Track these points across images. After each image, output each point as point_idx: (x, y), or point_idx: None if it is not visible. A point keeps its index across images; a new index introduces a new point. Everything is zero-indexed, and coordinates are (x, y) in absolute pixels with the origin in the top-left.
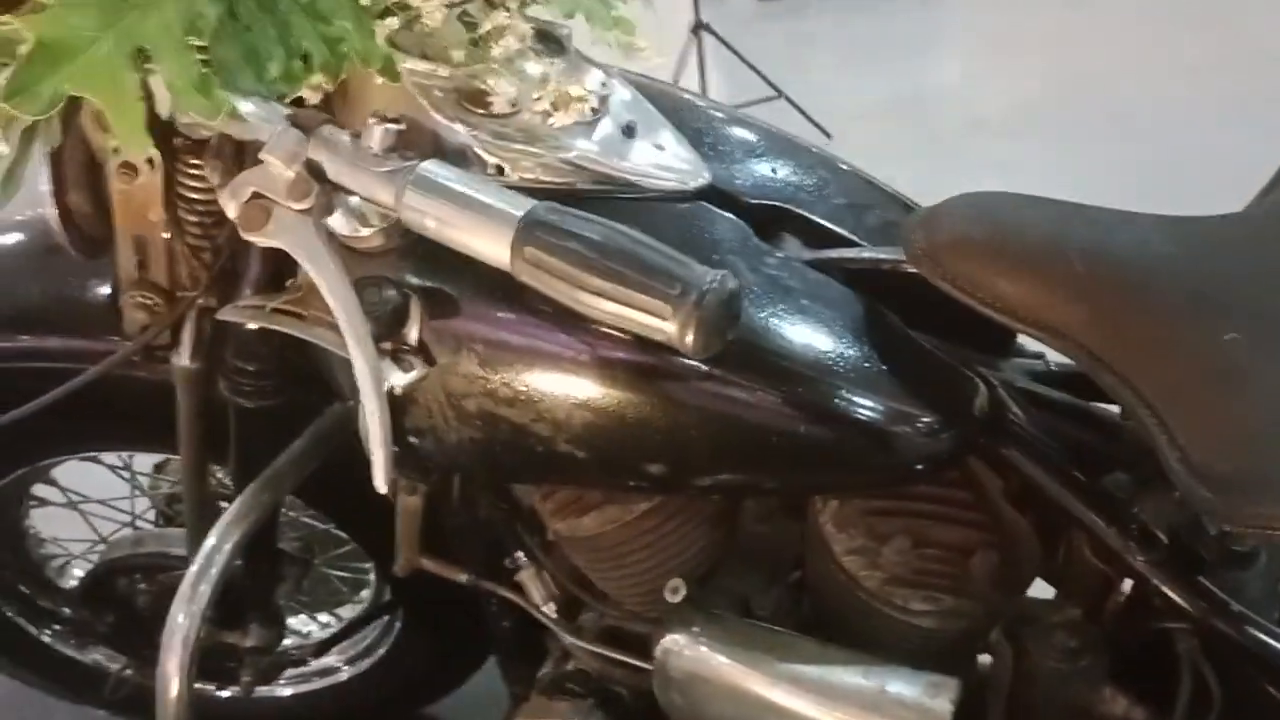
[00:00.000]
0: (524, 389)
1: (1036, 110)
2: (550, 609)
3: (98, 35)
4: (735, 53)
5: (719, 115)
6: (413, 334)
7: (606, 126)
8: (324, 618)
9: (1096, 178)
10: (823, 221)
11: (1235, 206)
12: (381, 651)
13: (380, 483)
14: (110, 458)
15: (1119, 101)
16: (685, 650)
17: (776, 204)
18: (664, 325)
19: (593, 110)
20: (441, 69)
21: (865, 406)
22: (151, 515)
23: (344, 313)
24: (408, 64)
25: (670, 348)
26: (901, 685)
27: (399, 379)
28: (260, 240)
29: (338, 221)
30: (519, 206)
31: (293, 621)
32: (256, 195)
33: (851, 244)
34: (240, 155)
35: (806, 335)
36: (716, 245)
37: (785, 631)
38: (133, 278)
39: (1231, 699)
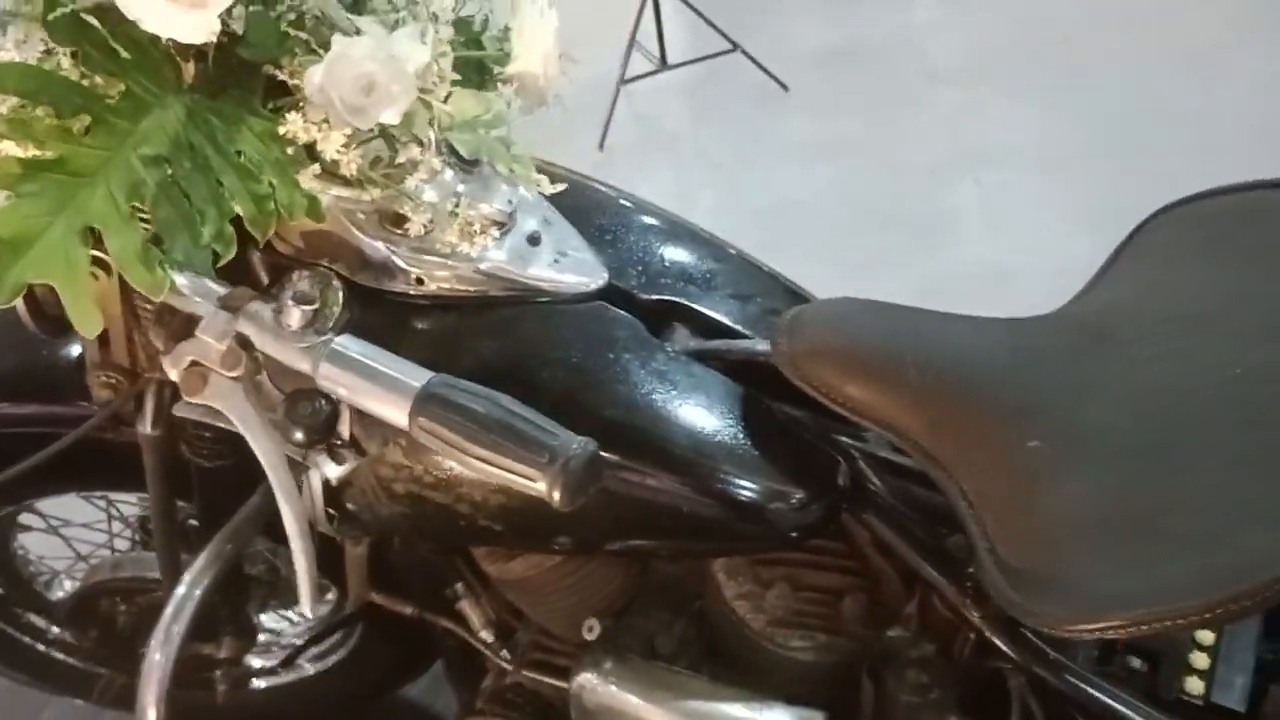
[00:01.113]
0: (444, 475)
1: (994, 60)
2: (488, 634)
3: (51, 219)
4: (691, 7)
5: (621, 210)
6: (345, 431)
7: (514, 237)
8: (295, 616)
9: (1053, 127)
10: (710, 313)
11: (1183, 156)
12: (345, 652)
13: (306, 610)
14: None
15: (1075, 51)
16: (597, 687)
17: (668, 299)
18: (536, 486)
19: (499, 225)
20: (364, 195)
21: (744, 486)
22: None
23: (272, 471)
24: (333, 191)
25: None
26: (777, 717)
27: (333, 471)
28: (198, 400)
29: None
30: (417, 379)
31: (266, 620)
32: (195, 363)
33: (735, 333)
34: (180, 323)
35: (692, 424)
36: (612, 344)
37: (681, 671)
38: (97, 361)
39: None
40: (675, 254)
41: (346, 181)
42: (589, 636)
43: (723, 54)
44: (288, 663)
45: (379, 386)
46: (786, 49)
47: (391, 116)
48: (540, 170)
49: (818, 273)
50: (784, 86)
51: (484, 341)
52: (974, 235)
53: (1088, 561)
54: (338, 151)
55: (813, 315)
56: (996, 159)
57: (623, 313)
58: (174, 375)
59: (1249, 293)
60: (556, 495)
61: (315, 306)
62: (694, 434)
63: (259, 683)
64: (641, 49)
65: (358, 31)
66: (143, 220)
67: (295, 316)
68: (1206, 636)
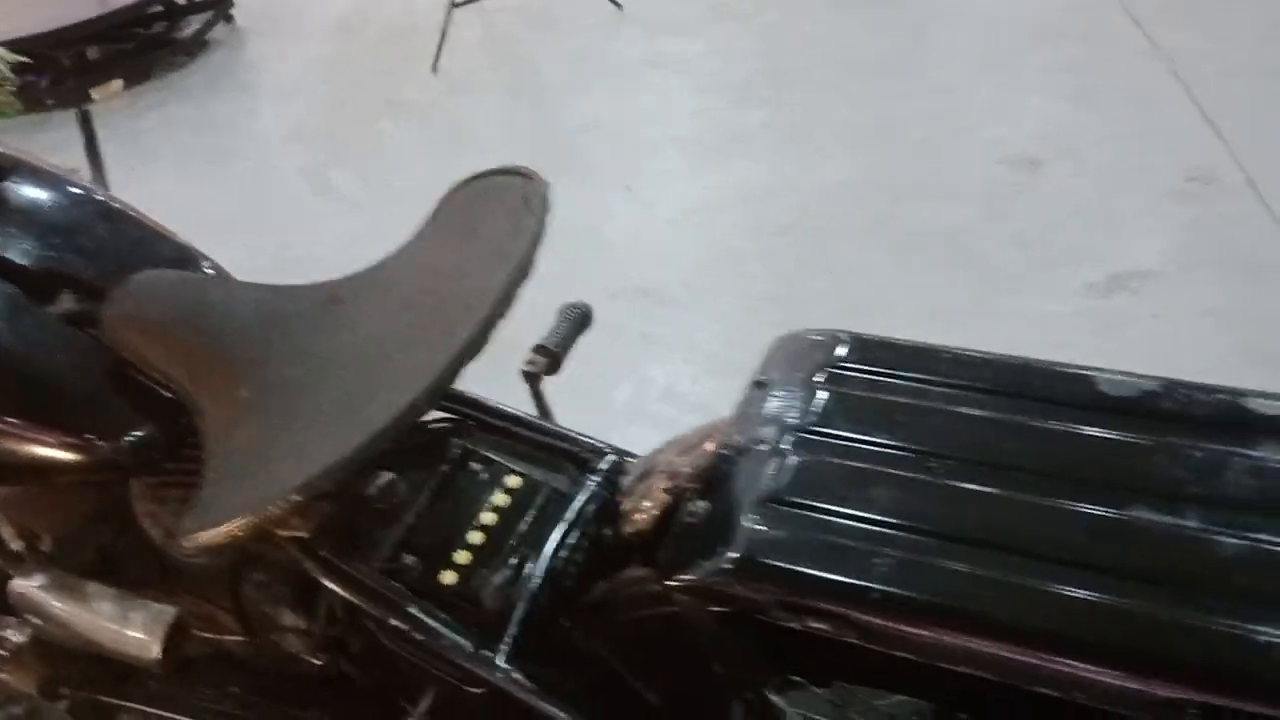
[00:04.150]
0: None
1: None
2: (17, 545)
3: None
4: None
5: (30, 187)
6: None
7: None
8: None
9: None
10: (91, 280)
11: None
12: None
13: None
14: None
15: None
16: (26, 589)
17: (53, 268)
18: None
19: None
20: None
21: (89, 427)
22: None
23: None
24: None
25: None
26: (141, 613)
27: None
28: None
29: None
30: None
31: None
32: None
33: None
34: None
35: (49, 379)
36: None
37: (85, 581)
38: None
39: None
40: (71, 226)
41: None
42: (43, 550)
43: None
44: None
45: None
46: None
47: None
48: None
49: (597, 197)
50: (618, 5)
51: None
52: (757, 154)
53: (248, 490)
54: None
55: (131, 287)
56: (801, 78)
57: (2, 282)
58: None
59: (425, 266)
60: None
61: None
62: (50, 387)
63: None
64: None
65: None
66: None
67: None
68: (476, 537)
